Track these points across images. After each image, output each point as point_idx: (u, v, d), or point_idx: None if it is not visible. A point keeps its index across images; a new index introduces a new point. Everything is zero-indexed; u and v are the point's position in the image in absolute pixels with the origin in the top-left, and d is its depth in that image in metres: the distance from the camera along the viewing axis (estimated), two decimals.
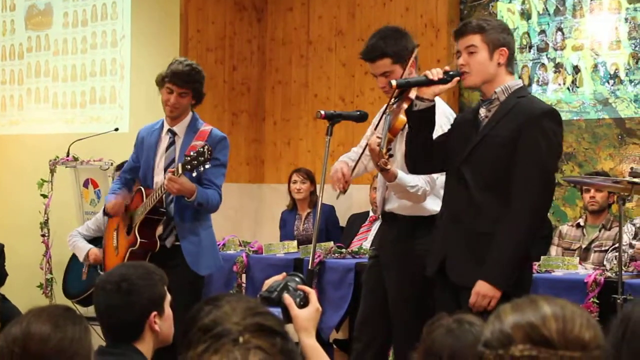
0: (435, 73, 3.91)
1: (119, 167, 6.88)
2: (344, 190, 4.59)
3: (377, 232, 4.93)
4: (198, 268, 5.09)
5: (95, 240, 6.87)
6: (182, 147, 5.15)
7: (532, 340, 1.61)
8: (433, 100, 3.97)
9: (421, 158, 4.13)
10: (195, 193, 4.93)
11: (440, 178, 4.39)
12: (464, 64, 3.97)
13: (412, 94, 4.26)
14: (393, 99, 4.33)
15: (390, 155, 4.10)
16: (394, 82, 3.94)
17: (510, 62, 4.03)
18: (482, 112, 4.03)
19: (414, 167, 4.22)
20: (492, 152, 3.91)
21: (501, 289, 3.78)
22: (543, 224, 4.10)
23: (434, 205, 4.51)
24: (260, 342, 1.67)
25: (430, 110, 3.99)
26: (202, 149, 4.81)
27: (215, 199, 5.07)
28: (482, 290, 3.81)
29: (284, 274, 2.51)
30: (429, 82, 3.91)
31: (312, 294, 2.46)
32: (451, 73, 3.94)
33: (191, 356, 1.67)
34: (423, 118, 3.99)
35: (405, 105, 4.24)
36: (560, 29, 7.04)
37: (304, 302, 2.44)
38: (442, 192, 4.36)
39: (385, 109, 4.45)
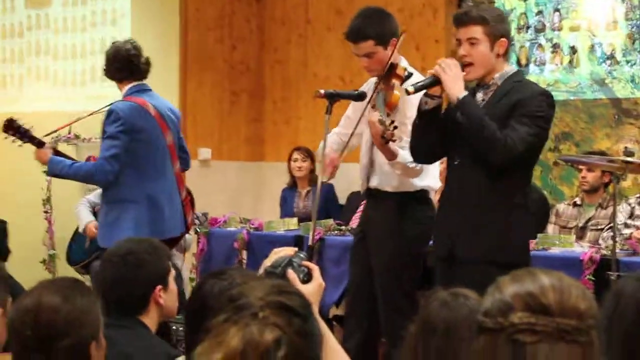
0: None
1: None
2: (331, 176, 4.72)
3: (363, 209, 5.03)
4: (99, 239, 5.49)
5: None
6: None
7: (531, 308, 1.68)
8: (441, 97, 4.09)
9: (428, 150, 4.28)
10: (47, 166, 5.44)
11: None
12: (465, 54, 4.09)
13: (400, 70, 4.40)
14: (381, 78, 4.52)
15: (395, 127, 4.19)
16: (411, 89, 4.03)
17: (507, 52, 4.16)
18: (479, 96, 4.18)
19: (419, 157, 4.36)
20: None
21: None
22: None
23: (419, 180, 4.63)
24: (278, 320, 1.69)
25: (439, 107, 4.11)
26: None
27: (84, 170, 5.40)
28: None
29: (295, 249, 2.55)
30: (439, 82, 4.03)
31: (316, 270, 2.50)
32: None
33: (213, 324, 1.71)
34: (433, 115, 4.12)
35: (395, 81, 4.41)
36: (557, 10, 7.08)
37: (307, 278, 2.48)
38: (426, 167, 4.53)
39: (375, 87, 4.56)
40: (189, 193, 5.79)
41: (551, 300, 1.69)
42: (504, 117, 4.01)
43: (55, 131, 5.87)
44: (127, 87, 5.48)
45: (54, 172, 5.48)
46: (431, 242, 4.48)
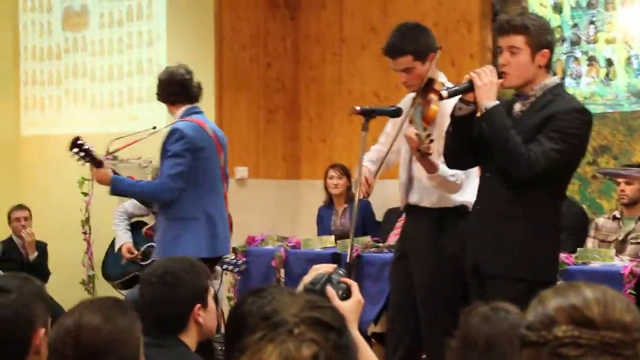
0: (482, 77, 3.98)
1: None
2: (367, 195, 4.71)
3: (402, 225, 5.03)
4: (158, 256, 5.52)
5: (136, 228, 7.07)
6: None
7: (575, 321, 1.67)
8: (475, 104, 4.02)
9: (460, 156, 4.23)
10: (110, 185, 5.49)
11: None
12: (505, 63, 4.02)
13: (438, 85, 4.38)
14: (418, 92, 4.52)
15: (431, 141, 4.18)
16: (444, 94, 4.00)
17: (549, 63, 4.08)
18: (517, 107, 4.11)
19: (452, 163, 4.31)
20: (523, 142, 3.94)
21: None
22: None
23: (459, 196, 4.60)
24: (314, 336, 1.67)
25: (473, 114, 4.06)
26: None
27: (150, 187, 5.58)
28: None
29: (335, 265, 2.54)
30: (473, 88, 3.97)
31: (355, 286, 2.49)
32: None
33: (249, 342, 1.69)
34: (466, 121, 4.07)
35: (433, 96, 4.38)
36: (592, 22, 7.04)
37: (346, 295, 2.47)
38: (465, 182, 4.51)
39: (412, 102, 4.56)
40: (228, 215, 5.86)
41: (595, 314, 1.67)
42: (537, 130, 3.96)
43: (117, 150, 5.96)
44: (181, 109, 5.62)
45: (117, 190, 5.57)
46: None
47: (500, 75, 4.02)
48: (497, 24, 4.18)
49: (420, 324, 4.71)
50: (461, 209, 4.65)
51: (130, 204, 7.17)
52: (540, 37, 4.01)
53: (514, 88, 4.14)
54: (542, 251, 4.06)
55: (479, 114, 4.08)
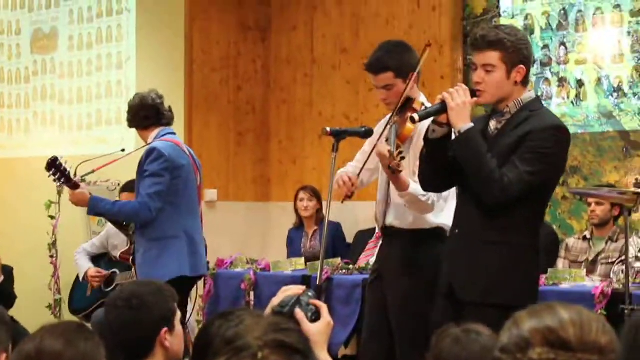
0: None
1: (124, 189, 7.00)
2: (350, 194, 4.61)
3: (379, 248, 4.98)
4: (141, 277, 5.44)
5: (99, 258, 6.98)
6: None
7: (550, 343, 1.64)
8: (450, 125, 3.90)
9: (435, 178, 4.12)
10: (88, 205, 5.47)
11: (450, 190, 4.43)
12: (479, 81, 3.90)
13: (417, 105, 4.32)
14: (396, 111, 4.41)
15: (402, 158, 4.10)
16: (416, 117, 3.89)
17: (526, 78, 3.96)
18: (492, 124, 4.00)
19: (427, 186, 4.21)
20: (499, 163, 3.84)
21: None
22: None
23: (435, 218, 4.56)
24: (278, 359, 1.65)
25: (447, 136, 3.95)
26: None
27: (129, 207, 5.48)
28: None
29: (304, 287, 2.51)
30: (446, 109, 3.86)
31: (324, 308, 2.46)
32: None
33: None
34: (440, 144, 3.95)
35: (410, 114, 4.31)
36: (563, 44, 7.07)
37: (315, 317, 2.44)
38: (443, 204, 4.42)
39: (389, 120, 4.51)
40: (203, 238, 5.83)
41: (571, 335, 1.64)
42: (512, 150, 3.85)
43: (87, 174, 5.85)
44: (155, 132, 5.61)
45: (96, 210, 5.57)
46: None
47: (474, 93, 3.90)
48: (471, 38, 4.07)
49: (394, 347, 4.66)
50: (437, 231, 4.59)
51: (88, 245, 7.13)
52: (516, 53, 3.88)
53: (489, 104, 4.07)
54: (519, 276, 3.93)
55: (453, 136, 3.99)
